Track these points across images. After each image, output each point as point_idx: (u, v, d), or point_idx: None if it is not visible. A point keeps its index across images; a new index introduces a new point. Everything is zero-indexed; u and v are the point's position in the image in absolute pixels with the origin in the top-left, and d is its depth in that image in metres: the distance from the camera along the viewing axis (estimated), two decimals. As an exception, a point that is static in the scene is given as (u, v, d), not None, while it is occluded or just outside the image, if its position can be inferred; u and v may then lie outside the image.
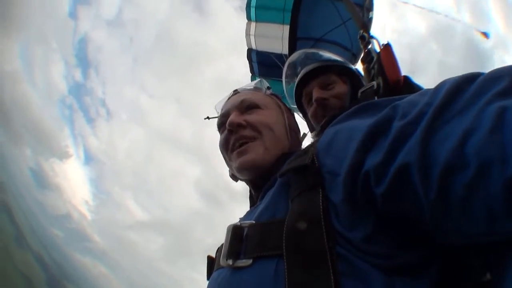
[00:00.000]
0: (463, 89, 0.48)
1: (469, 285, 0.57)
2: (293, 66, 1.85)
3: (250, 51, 3.39)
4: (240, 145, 0.93)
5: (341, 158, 0.57)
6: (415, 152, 0.45)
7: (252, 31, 3.54)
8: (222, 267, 0.68)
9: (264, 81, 1.15)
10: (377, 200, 0.50)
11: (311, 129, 1.49)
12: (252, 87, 1.12)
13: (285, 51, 3.09)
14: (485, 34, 1.75)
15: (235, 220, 0.91)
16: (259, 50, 3.33)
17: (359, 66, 1.55)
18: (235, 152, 0.94)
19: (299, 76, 1.49)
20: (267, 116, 0.98)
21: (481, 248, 0.47)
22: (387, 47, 1.26)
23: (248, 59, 3.50)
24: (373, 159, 0.51)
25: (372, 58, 1.35)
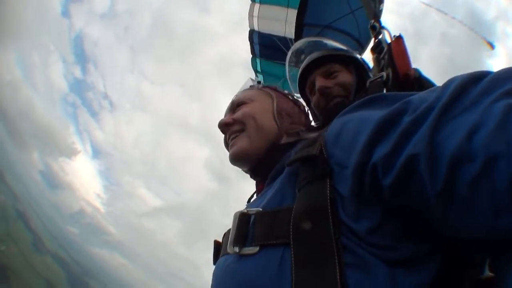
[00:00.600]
0: (471, 87, 0.49)
1: (468, 281, 0.57)
2: (298, 54, 1.85)
3: (252, 33, 3.31)
4: (232, 139, 0.99)
5: (350, 150, 0.57)
6: (423, 143, 0.46)
7: (256, 13, 3.44)
8: (229, 254, 0.69)
9: (256, 78, 1.18)
10: (384, 192, 0.51)
11: (315, 118, 1.45)
12: (247, 87, 1.16)
13: (288, 34, 3.00)
14: (491, 44, 1.75)
15: (247, 200, 1.01)
16: (262, 32, 3.25)
17: (366, 56, 1.56)
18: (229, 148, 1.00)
19: (303, 64, 1.46)
20: (251, 107, 1.01)
21: (483, 244, 0.47)
22: (398, 39, 1.23)
23: (249, 40, 3.41)
24: (381, 151, 0.51)
25: (383, 48, 1.33)
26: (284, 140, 0.96)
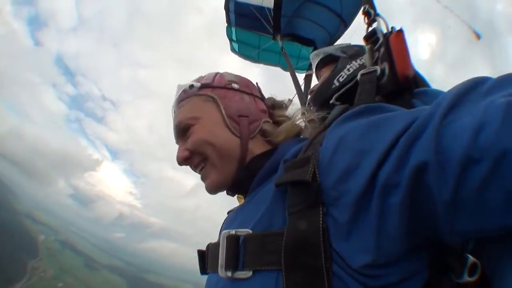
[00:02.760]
0: (472, 91, 0.50)
1: (448, 286, 0.58)
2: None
3: (228, 1, 3.18)
4: (200, 170, 0.94)
5: (349, 175, 0.55)
6: (429, 149, 0.45)
7: (232, -19, 3.29)
8: (220, 276, 0.70)
9: (186, 83, 1.01)
10: (390, 212, 0.49)
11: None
12: (181, 93, 1.00)
13: (266, 3, 2.92)
14: (477, 34, 1.65)
15: None
16: (238, 1, 3.14)
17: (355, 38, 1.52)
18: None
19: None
20: (200, 129, 0.91)
21: (484, 241, 0.51)
22: (399, 34, 1.11)
23: (225, 9, 3.28)
24: (385, 171, 0.50)
25: (378, 39, 1.22)
26: (257, 151, 0.91)
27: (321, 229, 0.55)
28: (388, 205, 0.49)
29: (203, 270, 0.87)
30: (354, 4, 2.73)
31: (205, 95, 0.96)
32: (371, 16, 1.33)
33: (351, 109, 0.81)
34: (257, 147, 0.93)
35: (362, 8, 1.37)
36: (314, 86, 1.60)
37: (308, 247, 0.56)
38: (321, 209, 0.57)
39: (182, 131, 0.94)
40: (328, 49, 1.59)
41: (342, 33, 2.55)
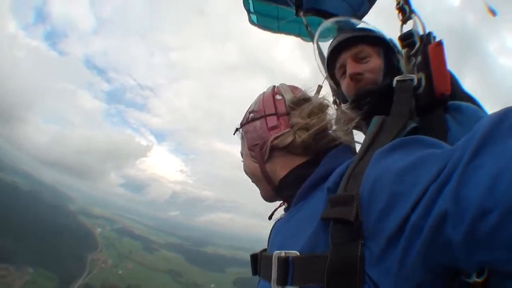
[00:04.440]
0: (501, 125, 0.52)
1: (456, 284, 0.64)
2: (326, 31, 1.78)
3: None
4: None
5: (385, 215, 0.62)
6: (450, 199, 0.51)
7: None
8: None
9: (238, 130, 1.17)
10: (412, 249, 0.57)
11: (343, 100, 1.45)
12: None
13: None
14: (493, 11, 1.50)
15: None
16: None
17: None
18: None
19: (332, 45, 1.42)
20: (243, 164, 1.13)
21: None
22: (439, 46, 1.09)
23: None
24: (415, 216, 0.57)
25: (414, 42, 1.18)
26: (278, 170, 1.01)
27: (359, 257, 0.65)
28: (411, 246, 0.57)
29: (255, 272, 1.00)
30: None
31: (241, 134, 1.14)
32: (406, 13, 1.29)
33: (387, 120, 0.92)
34: (278, 165, 1.01)
35: (396, 3, 1.33)
36: (359, 68, 1.32)
37: (347, 270, 0.66)
38: (360, 242, 0.66)
39: None
40: (378, 31, 1.39)
41: (367, 10, 2.35)
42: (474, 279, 0.59)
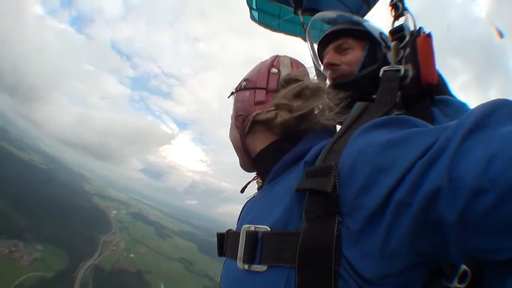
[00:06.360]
0: (493, 114, 0.52)
1: None
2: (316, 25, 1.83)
3: None
4: None
5: (366, 190, 0.58)
6: (443, 176, 0.48)
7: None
8: (237, 266, 0.76)
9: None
10: (397, 230, 0.53)
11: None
12: None
13: None
14: (500, 33, 1.50)
15: None
16: None
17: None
18: None
19: (319, 39, 1.45)
20: (229, 133, 1.12)
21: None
22: (427, 39, 1.10)
23: None
24: (400, 191, 0.53)
25: (404, 36, 1.19)
26: (257, 144, 0.98)
27: (334, 235, 0.60)
28: (397, 224, 0.53)
29: (221, 253, 0.95)
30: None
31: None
32: (399, 9, 1.30)
33: (370, 106, 0.87)
34: (257, 140, 0.99)
35: (390, 0, 1.34)
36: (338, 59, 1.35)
37: (321, 250, 0.60)
38: (337, 218, 0.61)
39: None
40: (367, 25, 1.38)
41: (365, 13, 2.35)
42: (456, 284, 0.57)
